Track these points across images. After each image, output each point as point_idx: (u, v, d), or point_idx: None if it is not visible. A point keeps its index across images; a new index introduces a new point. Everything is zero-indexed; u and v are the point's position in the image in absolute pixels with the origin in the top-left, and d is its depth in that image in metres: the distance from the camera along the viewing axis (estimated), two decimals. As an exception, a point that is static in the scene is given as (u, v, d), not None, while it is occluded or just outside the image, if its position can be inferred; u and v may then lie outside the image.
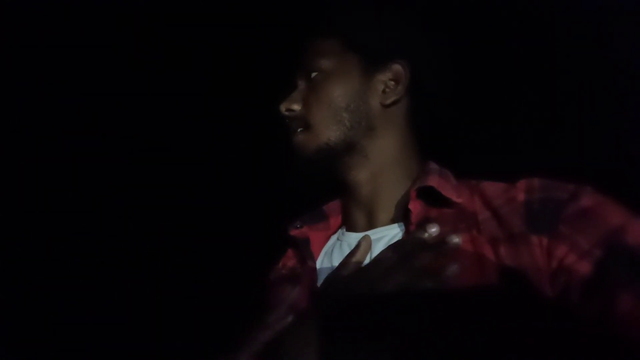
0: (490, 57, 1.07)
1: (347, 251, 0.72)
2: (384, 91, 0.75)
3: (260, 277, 0.83)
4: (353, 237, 0.76)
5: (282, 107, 0.78)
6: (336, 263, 0.69)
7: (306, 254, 0.76)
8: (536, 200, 0.62)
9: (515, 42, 1.04)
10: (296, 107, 0.77)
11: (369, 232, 0.72)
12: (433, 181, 0.71)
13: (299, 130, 0.77)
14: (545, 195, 0.62)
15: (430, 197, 0.70)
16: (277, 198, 1.11)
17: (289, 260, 0.82)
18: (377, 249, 0.69)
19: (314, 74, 0.76)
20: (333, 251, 0.78)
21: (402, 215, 0.72)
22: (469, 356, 0.51)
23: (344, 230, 0.80)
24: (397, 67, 0.75)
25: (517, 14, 1.05)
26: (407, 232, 0.69)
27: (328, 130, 0.74)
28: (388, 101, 0.75)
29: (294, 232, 0.80)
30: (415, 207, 0.69)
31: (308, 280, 0.73)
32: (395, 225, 0.73)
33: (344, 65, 0.75)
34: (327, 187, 0.82)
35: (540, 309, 0.56)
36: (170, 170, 1.39)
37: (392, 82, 0.75)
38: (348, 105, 0.74)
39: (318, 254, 0.79)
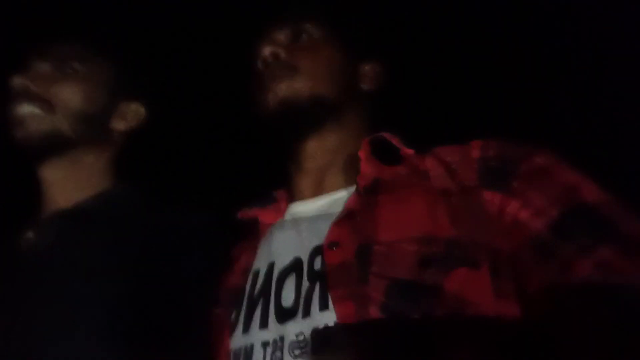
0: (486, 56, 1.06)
1: (290, 225, 0.72)
2: (361, 79, 0.80)
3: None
4: (299, 207, 0.75)
5: (267, 49, 0.75)
6: (276, 240, 0.71)
7: (254, 233, 0.77)
8: (491, 158, 0.63)
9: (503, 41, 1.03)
10: (283, 54, 0.75)
11: (315, 199, 0.72)
12: (385, 135, 0.73)
13: (284, 76, 0.73)
14: (500, 152, 0.63)
15: (382, 156, 0.71)
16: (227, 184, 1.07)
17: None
18: (325, 211, 0.69)
19: (304, 35, 0.78)
20: (277, 226, 0.75)
21: (352, 178, 0.71)
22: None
23: (291, 204, 0.78)
24: (373, 66, 0.81)
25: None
26: (356, 194, 0.67)
27: (321, 84, 0.74)
28: (365, 87, 0.80)
29: (242, 215, 0.80)
30: (366, 168, 0.69)
31: (245, 259, 0.74)
32: (343, 189, 0.71)
33: (333, 43, 0.78)
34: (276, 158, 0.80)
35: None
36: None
37: (369, 77, 0.80)
38: (340, 73, 0.77)
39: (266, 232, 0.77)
